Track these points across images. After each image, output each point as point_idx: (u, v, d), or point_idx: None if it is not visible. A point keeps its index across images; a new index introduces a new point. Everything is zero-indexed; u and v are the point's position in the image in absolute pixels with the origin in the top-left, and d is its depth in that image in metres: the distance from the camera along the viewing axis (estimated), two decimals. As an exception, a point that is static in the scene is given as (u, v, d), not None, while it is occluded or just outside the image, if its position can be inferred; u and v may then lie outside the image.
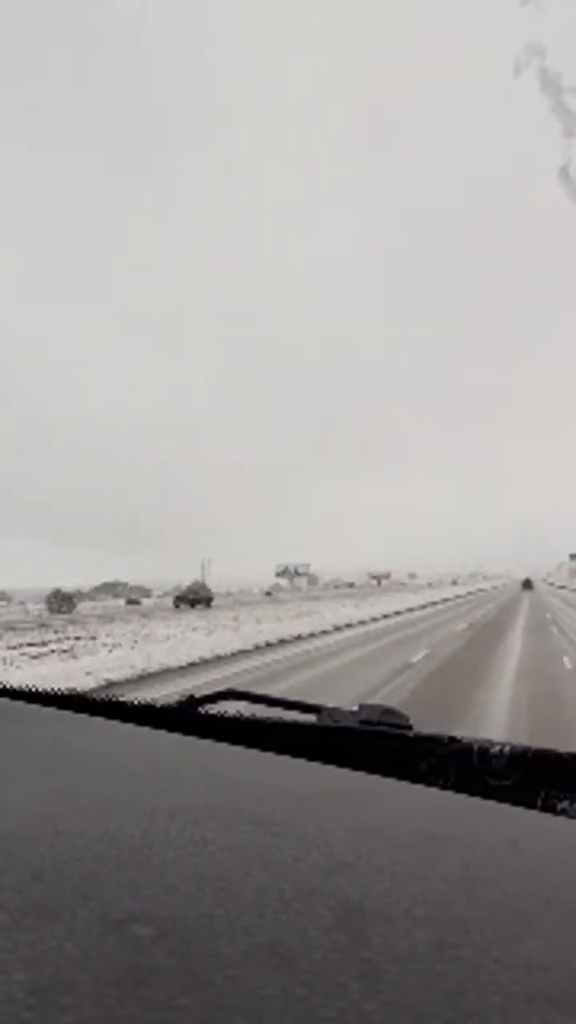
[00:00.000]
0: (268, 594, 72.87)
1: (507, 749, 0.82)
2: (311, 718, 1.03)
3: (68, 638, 17.85)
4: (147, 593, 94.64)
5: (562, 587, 70.49)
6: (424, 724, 1.00)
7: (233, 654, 13.52)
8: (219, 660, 12.67)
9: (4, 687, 1.17)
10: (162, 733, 0.91)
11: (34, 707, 1.04)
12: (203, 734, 0.90)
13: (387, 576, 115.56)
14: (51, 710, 1.02)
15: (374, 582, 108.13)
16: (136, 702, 1.08)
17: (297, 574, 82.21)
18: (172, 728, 0.94)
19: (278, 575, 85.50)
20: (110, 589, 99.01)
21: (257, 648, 14.66)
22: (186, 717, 1.03)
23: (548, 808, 0.76)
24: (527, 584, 74.63)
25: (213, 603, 43.16)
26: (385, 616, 25.64)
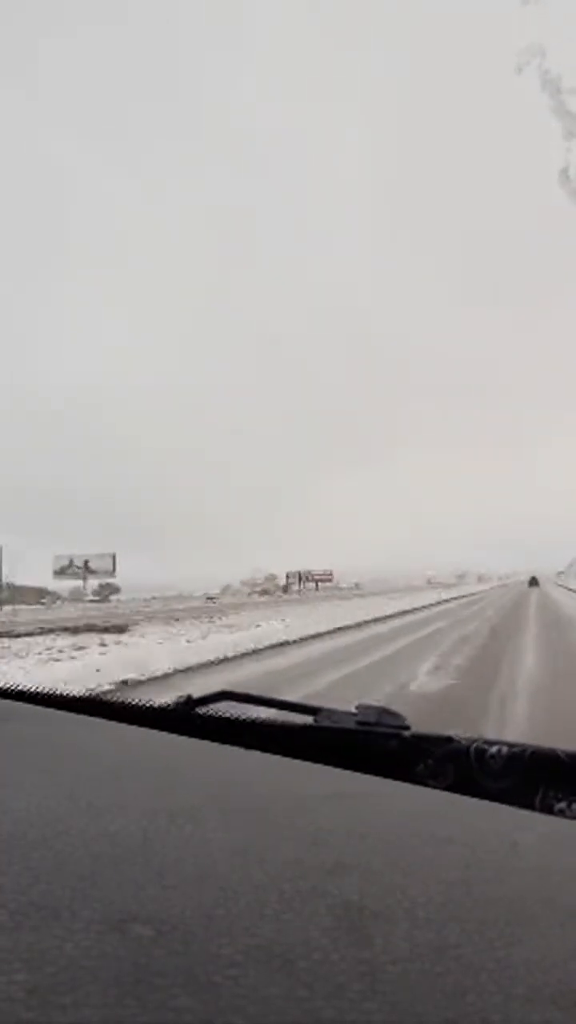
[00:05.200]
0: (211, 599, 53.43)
1: (504, 750, 0.82)
2: (308, 719, 1.02)
3: None
4: (42, 597, 71.61)
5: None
6: (423, 724, 1.00)
7: None
8: None
9: (4, 687, 1.17)
10: (160, 734, 0.92)
11: (34, 707, 1.05)
12: (201, 735, 0.90)
13: (329, 578, 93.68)
14: (51, 710, 1.02)
15: (311, 585, 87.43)
16: (135, 703, 1.08)
17: (89, 571, 56.98)
18: (170, 729, 0.95)
19: (57, 573, 60.14)
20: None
21: None
22: (184, 718, 1.03)
23: (546, 808, 0.75)
24: (533, 582, 70.95)
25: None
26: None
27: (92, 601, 66.07)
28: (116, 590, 78.69)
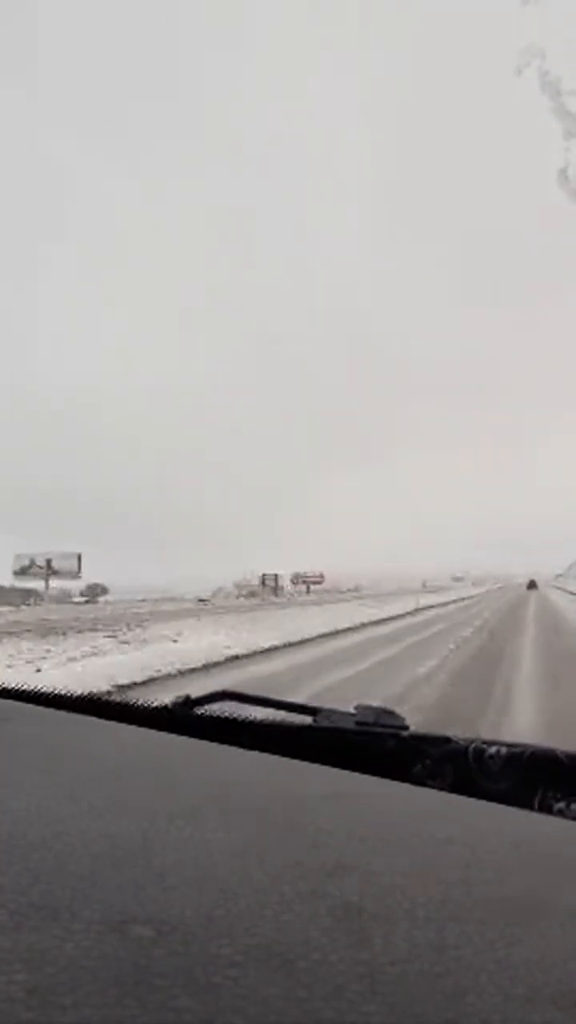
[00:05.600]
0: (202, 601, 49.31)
1: (503, 750, 0.82)
2: (308, 719, 1.02)
3: None
4: (27, 599, 68.08)
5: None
6: (422, 725, 0.96)
7: None
8: None
9: (4, 687, 1.17)
10: (160, 734, 0.92)
11: (34, 707, 1.04)
12: (200, 735, 0.90)
13: (320, 580, 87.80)
14: (50, 710, 1.02)
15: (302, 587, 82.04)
16: (133, 703, 1.08)
17: (52, 571, 53.29)
18: (169, 729, 0.94)
19: (17, 574, 56.39)
20: None
21: None
22: (183, 718, 1.03)
23: (545, 809, 0.75)
24: (531, 585, 69.21)
25: None
26: None
27: (78, 603, 62.47)
28: (104, 591, 74.87)
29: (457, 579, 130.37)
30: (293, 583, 79.70)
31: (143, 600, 55.20)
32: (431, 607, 31.75)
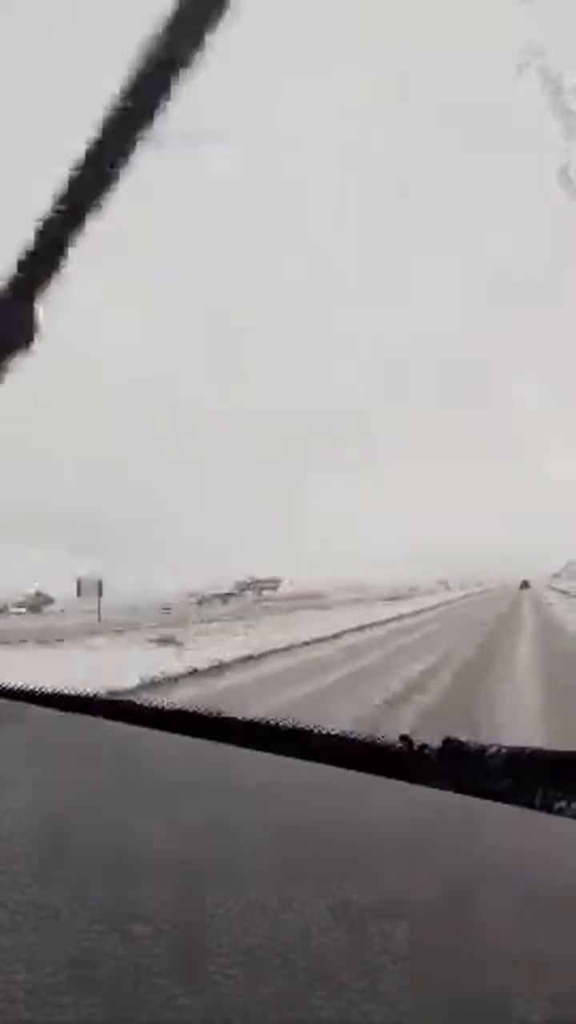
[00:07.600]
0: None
1: (504, 749, 0.83)
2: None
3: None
4: None
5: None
6: (424, 723, 1.05)
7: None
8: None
9: (4, 687, 1.18)
10: (160, 733, 0.93)
11: (34, 707, 1.06)
12: (202, 735, 0.91)
13: (275, 586, 79.00)
14: (51, 710, 1.03)
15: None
16: (135, 702, 1.11)
17: None
18: (171, 729, 0.95)
19: None
20: None
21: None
22: (185, 717, 1.04)
23: (546, 808, 0.76)
24: (524, 585, 69.85)
25: None
26: None
27: (19, 613, 54.17)
28: (49, 600, 66.35)
29: (442, 582, 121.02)
30: (249, 590, 70.85)
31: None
32: (393, 619, 22.97)
